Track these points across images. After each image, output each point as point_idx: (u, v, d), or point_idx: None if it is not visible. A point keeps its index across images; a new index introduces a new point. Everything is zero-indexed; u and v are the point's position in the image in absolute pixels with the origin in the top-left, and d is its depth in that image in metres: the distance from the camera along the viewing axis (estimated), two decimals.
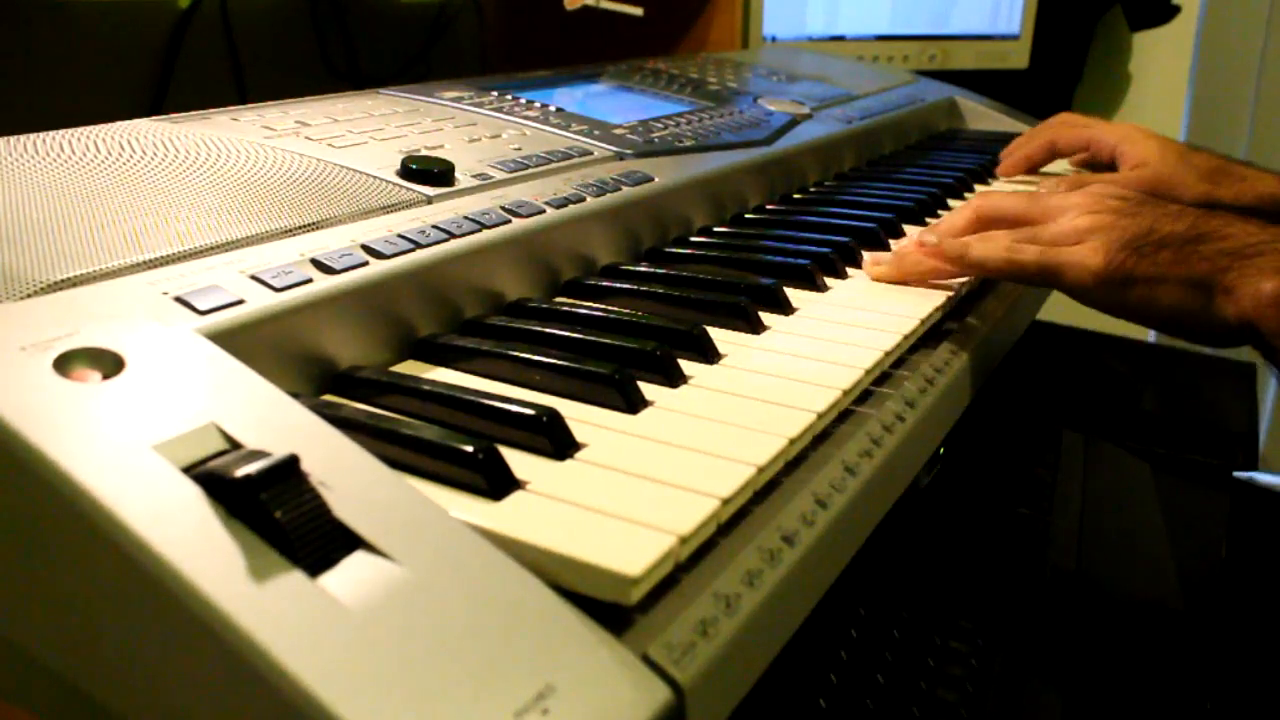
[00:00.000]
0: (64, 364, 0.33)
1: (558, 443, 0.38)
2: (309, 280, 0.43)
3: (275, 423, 0.33)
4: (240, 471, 0.29)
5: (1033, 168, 0.95)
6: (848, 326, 0.54)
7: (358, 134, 0.63)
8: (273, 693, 0.25)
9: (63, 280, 0.39)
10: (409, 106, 0.73)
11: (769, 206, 0.80)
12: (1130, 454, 0.89)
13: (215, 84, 1.15)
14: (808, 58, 1.29)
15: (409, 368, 0.47)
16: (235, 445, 0.32)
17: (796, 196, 0.83)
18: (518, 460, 0.37)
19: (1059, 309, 0.99)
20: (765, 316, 0.55)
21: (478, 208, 0.55)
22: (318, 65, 1.25)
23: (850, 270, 0.65)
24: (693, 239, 0.70)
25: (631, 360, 0.46)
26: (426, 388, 0.42)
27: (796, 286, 0.60)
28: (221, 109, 0.65)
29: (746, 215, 0.77)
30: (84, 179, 0.49)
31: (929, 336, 0.58)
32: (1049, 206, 0.61)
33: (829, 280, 0.63)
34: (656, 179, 0.67)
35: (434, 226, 0.51)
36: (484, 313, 0.53)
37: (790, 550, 0.37)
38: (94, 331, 0.35)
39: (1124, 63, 1.86)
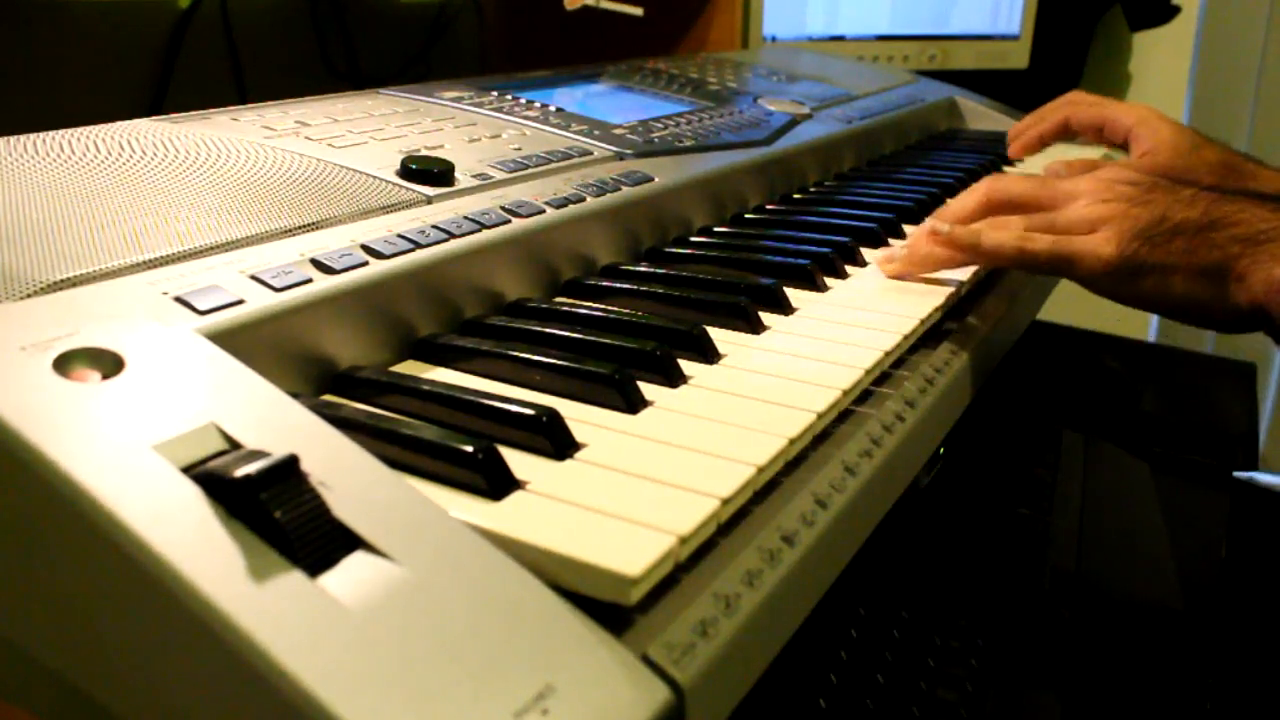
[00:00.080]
0: (64, 364, 0.33)
1: (558, 443, 0.38)
2: (309, 280, 0.43)
3: (275, 423, 0.33)
4: (240, 471, 0.29)
5: (1044, 146, 0.95)
6: (848, 326, 0.54)
7: (358, 134, 0.63)
8: (273, 693, 0.25)
9: (63, 280, 0.39)
10: (409, 106, 0.73)
11: (769, 206, 0.80)
12: (1130, 454, 0.89)
13: (215, 84, 1.15)
14: (808, 58, 1.29)
15: (409, 368, 0.47)
16: (235, 445, 0.32)
17: (796, 196, 0.83)
18: (518, 460, 0.37)
19: (1059, 309, 0.99)
20: (765, 316, 0.55)
21: (478, 208, 0.55)
22: (318, 65, 1.25)
23: (850, 270, 0.65)
24: (693, 239, 0.70)
25: (631, 360, 0.46)
26: (426, 388, 0.42)
27: (796, 286, 0.60)
28: (221, 109, 0.65)
29: (746, 215, 0.77)
30: (84, 179, 0.49)
31: (929, 336, 0.58)
32: (1060, 192, 0.61)
33: (829, 280, 0.63)
34: (656, 179, 0.67)
35: (434, 226, 0.51)
36: (484, 313, 0.52)
37: (790, 550, 0.37)
38: (94, 331, 0.35)
39: (1124, 63, 1.86)
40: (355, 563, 0.29)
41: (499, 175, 0.60)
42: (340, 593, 0.28)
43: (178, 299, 0.39)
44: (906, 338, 0.53)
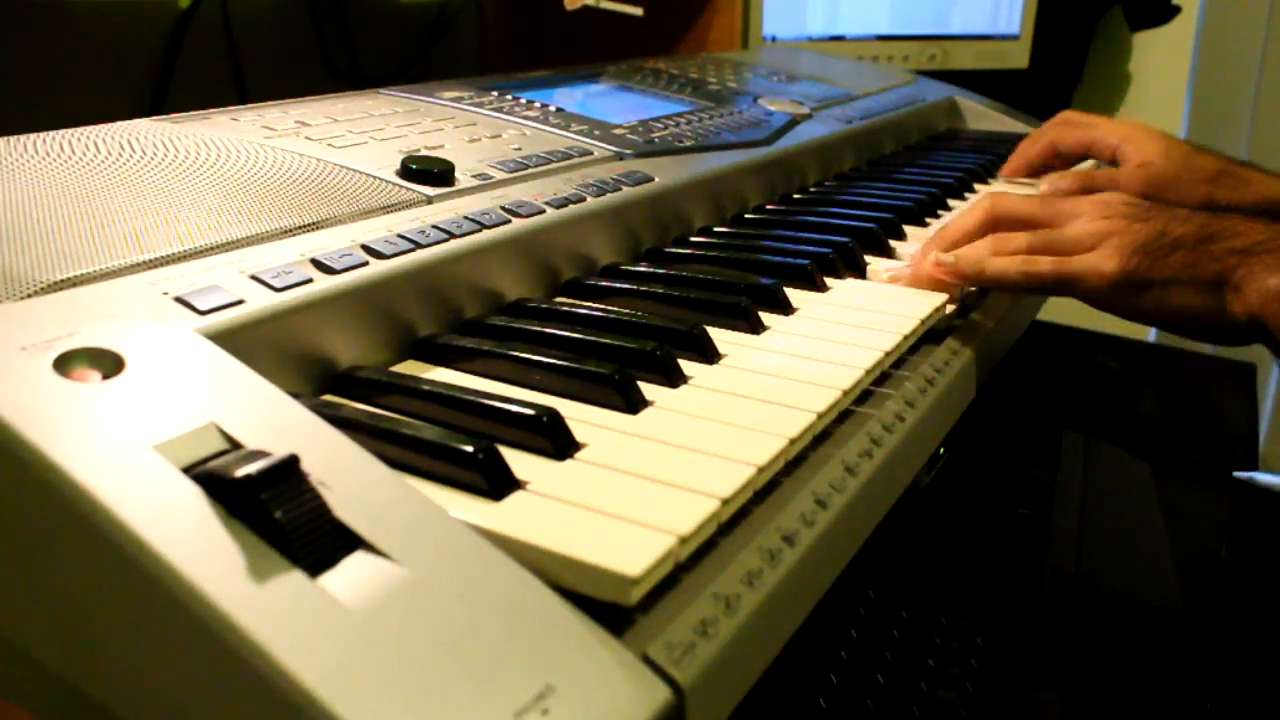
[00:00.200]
0: (64, 364, 0.33)
1: (558, 443, 0.38)
2: (309, 280, 0.43)
3: (275, 423, 0.33)
4: (240, 471, 0.29)
5: (1034, 172, 0.95)
6: (848, 326, 0.54)
7: (358, 134, 0.63)
8: (273, 693, 0.25)
9: (63, 280, 0.39)
10: (409, 106, 0.73)
11: (769, 206, 0.80)
12: (1130, 454, 0.89)
13: (215, 84, 1.15)
14: (808, 58, 1.29)
15: (409, 368, 0.47)
16: (235, 445, 0.32)
17: (796, 196, 0.83)
18: (518, 460, 0.37)
19: (1059, 309, 0.99)
20: (765, 316, 0.55)
21: (478, 208, 0.55)
22: (318, 65, 1.25)
23: (850, 271, 0.65)
24: (693, 239, 0.70)
25: (631, 360, 0.46)
26: (426, 388, 0.42)
27: (796, 286, 0.60)
28: (221, 109, 0.65)
29: (746, 215, 0.77)
30: (84, 179, 0.49)
31: (929, 336, 0.58)
32: (1060, 211, 0.62)
33: (829, 280, 0.63)
34: (656, 179, 0.67)
35: (434, 226, 0.51)
36: (484, 313, 0.53)
37: (790, 550, 0.37)
38: (94, 331, 0.35)
39: (1124, 63, 1.86)
40: (355, 563, 0.29)
41: (499, 175, 0.60)
42: (340, 593, 0.28)
43: (178, 299, 0.39)
44: (906, 338, 0.53)
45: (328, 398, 0.43)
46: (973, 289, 0.64)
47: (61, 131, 0.55)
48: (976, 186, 0.93)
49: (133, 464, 0.29)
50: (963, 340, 0.59)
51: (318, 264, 0.45)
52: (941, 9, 1.57)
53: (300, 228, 0.48)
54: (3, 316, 0.35)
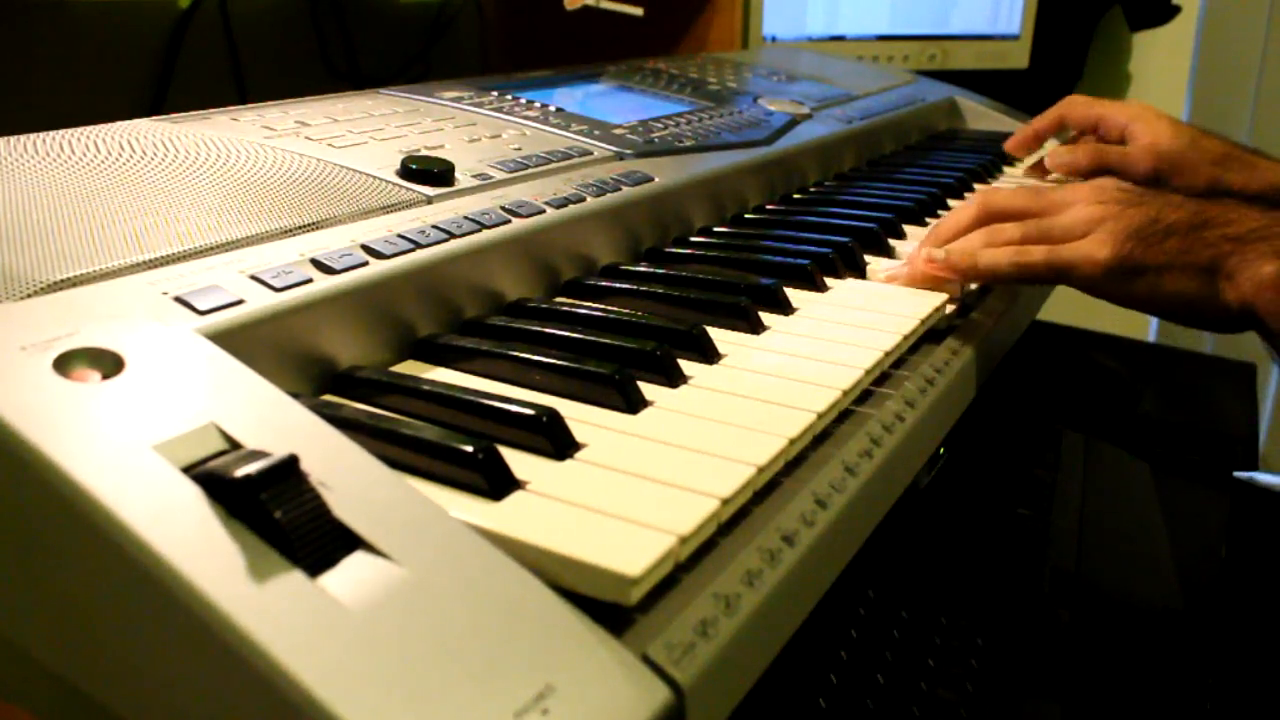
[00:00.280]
0: (64, 364, 0.33)
1: (558, 443, 0.38)
2: (309, 280, 0.43)
3: (275, 423, 0.33)
4: (240, 471, 0.29)
5: (1041, 142, 0.95)
6: (848, 326, 0.54)
7: (358, 134, 0.63)
8: (273, 693, 0.25)
9: (63, 280, 0.39)
10: (409, 106, 0.73)
11: (769, 206, 0.80)
12: (1130, 454, 0.89)
13: (215, 84, 1.15)
14: (808, 58, 1.29)
15: (409, 368, 0.47)
16: (235, 445, 0.32)
17: (796, 196, 0.83)
18: (518, 460, 0.37)
19: (1059, 309, 0.99)
20: (765, 316, 0.55)
21: (478, 208, 0.55)
22: (318, 65, 1.25)
23: (850, 271, 0.65)
24: (693, 239, 0.70)
25: (631, 360, 0.46)
26: (426, 388, 0.42)
27: (796, 286, 0.60)
28: (221, 109, 0.65)
29: (746, 215, 0.77)
30: (84, 179, 0.49)
31: (929, 336, 0.58)
32: (1054, 200, 0.62)
33: (829, 280, 0.63)
34: (656, 179, 0.67)
35: (434, 226, 0.51)
36: (484, 313, 0.52)
37: (790, 550, 0.37)
38: (94, 331, 0.35)
39: (1124, 63, 1.86)
40: (355, 563, 0.29)
41: (499, 175, 0.60)
42: (340, 593, 0.28)
43: (178, 299, 0.39)
44: (906, 338, 0.53)
45: (328, 398, 0.43)
46: (973, 287, 0.64)
47: (61, 131, 0.55)
48: (976, 186, 0.93)
49: (133, 464, 0.29)
50: (963, 340, 0.59)
51: (318, 264, 0.45)
52: (941, 9, 1.57)
53: (300, 228, 0.48)
54: (3, 316, 0.35)
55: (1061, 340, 1.10)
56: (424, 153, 0.61)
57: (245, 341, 0.39)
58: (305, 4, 1.23)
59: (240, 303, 0.40)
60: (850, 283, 0.63)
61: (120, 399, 0.32)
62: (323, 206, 0.51)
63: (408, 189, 0.55)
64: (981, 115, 1.23)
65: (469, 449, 0.35)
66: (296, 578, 0.28)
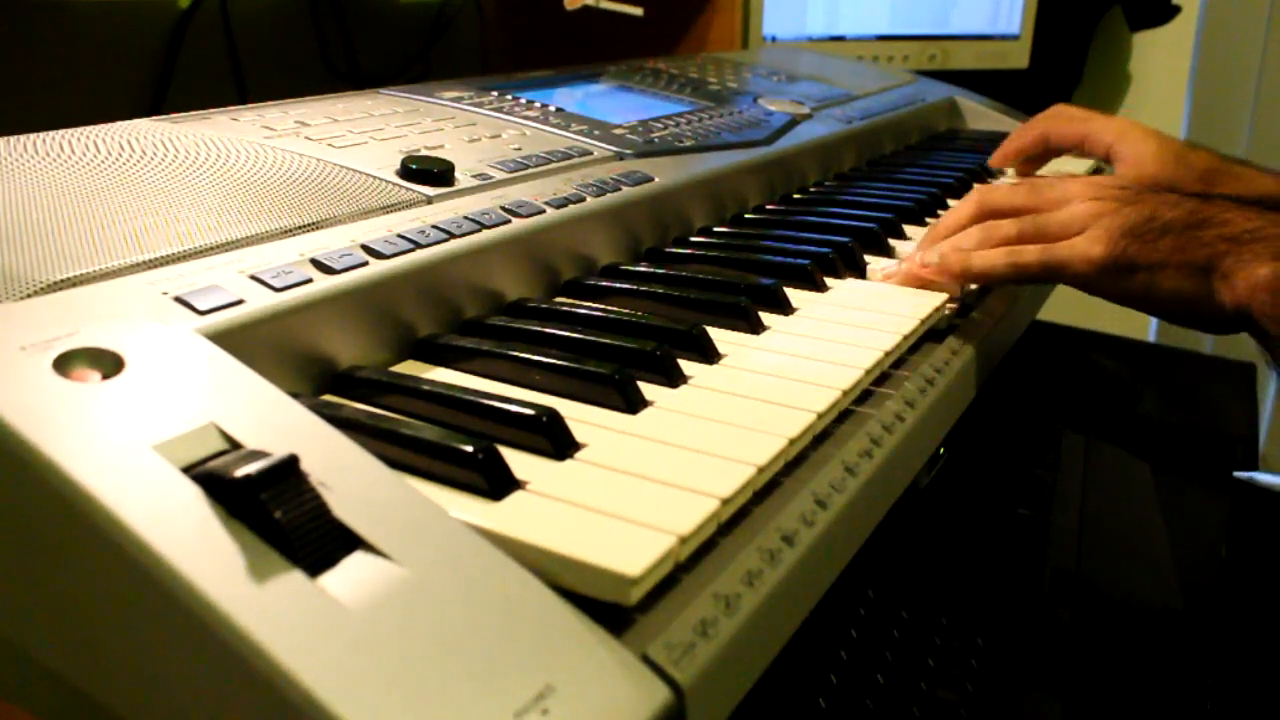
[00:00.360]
0: (64, 364, 0.33)
1: (558, 443, 0.38)
2: (309, 280, 0.43)
3: (275, 423, 0.33)
4: (240, 471, 0.29)
5: (1024, 160, 0.94)
6: (848, 326, 0.54)
7: (358, 134, 0.63)
8: (273, 693, 0.25)
9: (63, 280, 0.39)
10: (409, 106, 0.73)
11: (769, 206, 0.80)
12: (1130, 454, 0.89)
13: (215, 84, 1.15)
14: (808, 58, 1.29)
15: (409, 368, 0.47)
16: (235, 445, 0.32)
17: (796, 196, 0.83)
18: (518, 460, 0.37)
19: (1059, 309, 0.99)
20: (765, 316, 0.55)
21: (478, 208, 0.55)
22: (318, 65, 1.25)
23: (850, 271, 0.65)
24: (693, 239, 0.70)
25: (631, 360, 0.46)
26: (426, 388, 0.42)
27: (796, 286, 0.60)
28: (221, 109, 0.65)
29: (746, 215, 0.77)
30: (84, 179, 0.49)
31: (929, 336, 0.58)
32: (1051, 197, 0.62)
33: (829, 280, 0.63)
34: (656, 179, 0.67)
35: (434, 226, 0.51)
36: (484, 313, 0.52)
37: (790, 550, 0.37)
38: (94, 331, 0.35)
39: (1124, 63, 1.86)
40: (355, 563, 0.29)
41: (499, 175, 0.60)
42: (340, 593, 0.28)
43: (178, 299, 0.39)
44: (906, 338, 0.53)
45: (328, 398, 0.43)
46: (973, 287, 0.64)
47: (61, 131, 0.55)
48: (976, 186, 0.93)
49: (133, 464, 0.29)
50: (963, 340, 0.59)
51: (318, 264, 0.45)
52: (941, 9, 1.57)
53: (300, 228, 0.48)
54: (3, 316, 0.35)
55: (1061, 340, 1.10)
56: (424, 153, 0.61)
57: (245, 341, 0.39)
58: (305, 4, 1.23)
59: (240, 303, 0.40)
60: (850, 283, 0.63)
61: (120, 399, 0.32)
62: (323, 206, 0.51)
63: (408, 189, 0.55)
64: (981, 115, 1.23)
65: (469, 449, 0.35)
66: (296, 578, 0.28)
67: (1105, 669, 0.61)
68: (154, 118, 0.61)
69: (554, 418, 0.39)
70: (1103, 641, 0.64)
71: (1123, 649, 0.64)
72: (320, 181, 0.54)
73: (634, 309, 0.55)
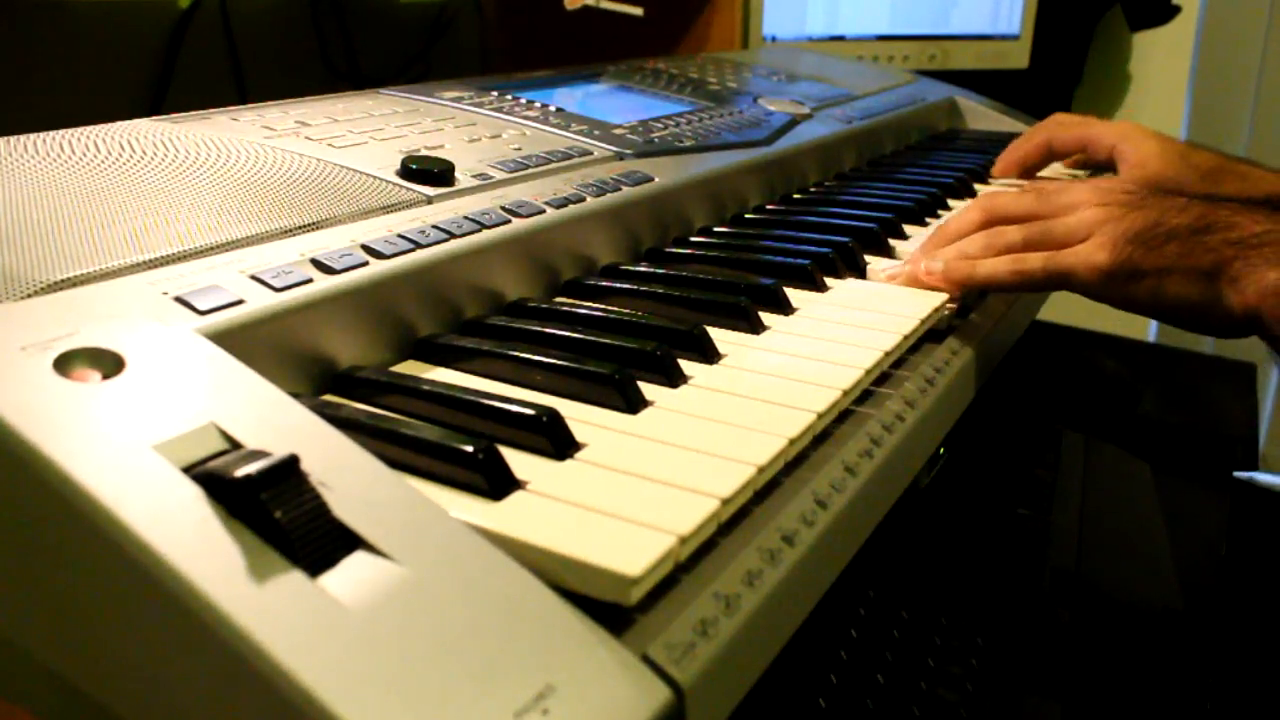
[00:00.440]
0: (64, 364, 0.33)
1: (558, 443, 0.38)
2: (309, 280, 0.43)
3: (275, 423, 0.33)
4: (240, 471, 0.29)
5: (1028, 169, 0.94)
6: (848, 326, 0.54)
7: (358, 134, 0.63)
8: (273, 693, 0.25)
9: (63, 280, 0.39)
10: (409, 106, 0.73)
11: (769, 206, 0.80)
12: (1130, 454, 0.89)
13: (215, 84, 1.15)
14: (808, 58, 1.29)
15: (409, 368, 0.47)
16: (235, 445, 0.32)
17: (796, 196, 0.83)
18: (518, 460, 0.37)
19: (1059, 309, 0.99)
20: (765, 316, 0.55)
21: (478, 208, 0.55)
22: (318, 65, 1.25)
23: (850, 271, 0.65)
24: (693, 239, 0.70)
25: (631, 360, 0.46)
26: (426, 388, 0.42)
27: (796, 286, 0.60)
28: (221, 109, 0.65)
29: (746, 215, 0.77)
30: (84, 179, 0.49)
31: (929, 336, 0.58)
32: (1058, 203, 0.61)
33: (829, 280, 0.63)
34: (656, 179, 0.67)
35: (434, 226, 0.51)
36: (484, 313, 0.53)
37: (790, 550, 0.37)
38: (94, 331, 0.35)
39: (1124, 63, 1.86)
40: (355, 563, 0.29)
41: (499, 175, 0.60)
42: (340, 593, 0.28)
43: (178, 299, 0.39)
44: (906, 338, 0.53)
45: (328, 398, 0.43)
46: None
47: (61, 131, 0.55)
48: (976, 187, 0.93)
49: (133, 464, 0.29)
50: (963, 340, 0.59)
51: (318, 264, 0.45)
52: (941, 9, 1.57)
53: (300, 228, 0.48)
54: (3, 316, 0.35)
55: (1061, 340, 1.10)
56: (424, 153, 0.61)
57: (245, 341, 0.39)
58: (305, 4, 1.23)
59: (240, 303, 0.40)
60: (850, 283, 0.63)
61: (120, 399, 0.32)
62: (323, 206, 0.51)
63: (408, 189, 0.55)
64: (981, 115, 1.23)
65: (469, 449, 0.35)
66: (296, 578, 0.28)
67: (1105, 669, 0.61)
68: (154, 118, 0.61)
69: (554, 418, 0.39)
70: (1103, 641, 0.64)
71: (1123, 649, 0.64)
72: (320, 181, 0.54)
73: (634, 309, 0.55)
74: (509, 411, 0.39)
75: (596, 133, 0.73)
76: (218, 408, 0.33)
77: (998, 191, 0.67)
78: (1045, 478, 0.81)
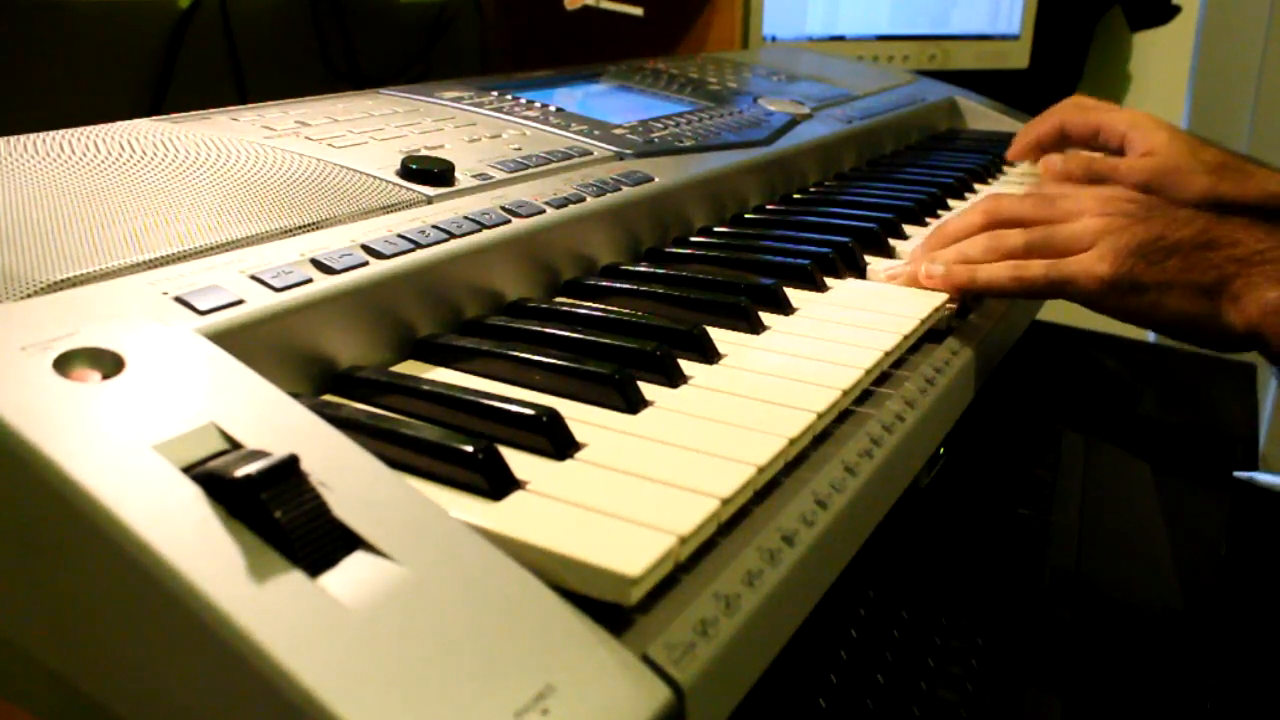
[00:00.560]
0: (64, 364, 0.33)
1: (558, 443, 0.38)
2: (309, 280, 0.43)
3: (275, 423, 0.33)
4: (240, 471, 0.29)
5: (1042, 151, 0.95)
6: (848, 326, 0.54)
7: (358, 134, 0.63)
8: (273, 693, 0.25)
9: (63, 280, 0.39)
10: (409, 106, 0.73)
11: (769, 206, 0.80)
12: (1130, 454, 0.89)
13: (215, 84, 1.15)
14: (808, 58, 1.29)
15: (409, 368, 0.47)
16: (235, 445, 0.32)
17: (796, 196, 0.83)
18: (518, 460, 0.37)
19: (1059, 309, 0.99)
20: (765, 316, 0.55)
21: (478, 208, 0.55)
22: (318, 65, 1.25)
23: (850, 271, 0.65)
24: (693, 239, 0.70)
25: (631, 360, 0.46)
26: (426, 388, 0.42)
27: (796, 286, 0.60)
28: (221, 109, 0.65)
29: (746, 215, 0.77)
30: (84, 179, 0.49)
31: (929, 336, 0.58)
32: (1061, 209, 0.61)
33: (829, 280, 0.63)
34: (656, 179, 0.67)
35: (434, 226, 0.51)
36: (484, 313, 0.53)
37: (790, 550, 0.37)
38: (94, 331, 0.35)
39: (1124, 63, 1.86)
40: (355, 563, 0.29)
41: (499, 175, 0.60)
42: (340, 593, 0.28)
43: (178, 299, 0.39)
44: (906, 338, 0.53)
45: (328, 398, 0.43)
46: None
47: (61, 131, 0.55)
48: (976, 186, 0.93)
49: (133, 464, 0.29)
50: (963, 340, 0.59)
51: (318, 264, 0.45)
52: (941, 9, 1.57)
53: (300, 228, 0.48)
54: (3, 316, 0.35)
55: (1061, 340, 1.10)
56: (424, 153, 0.61)
57: (245, 341, 0.39)
58: (305, 4, 1.23)
59: (240, 303, 0.40)
60: (850, 283, 0.63)
61: (120, 399, 0.32)
62: (323, 206, 0.51)
63: (408, 189, 0.55)
64: (981, 115, 1.23)
65: (469, 449, 0.35)
66: (296, 578, 0.28)
67: (1105, 669, 0.61)
68: (154, 118, 0.61)
69: (554, 418, 0.39)
70: (1103, 641, 0.64)
71: (1123, 649, 0.64)
72: (320, 181, 0.54)
73: (634, 309, 0.55)
74: (509, 411, 0.39)
75: (596, 133, 0.73)
76: (218, 408, 0.33)
77: (1000, 194, 0.67)
78: (1045, 478, 0.81)
